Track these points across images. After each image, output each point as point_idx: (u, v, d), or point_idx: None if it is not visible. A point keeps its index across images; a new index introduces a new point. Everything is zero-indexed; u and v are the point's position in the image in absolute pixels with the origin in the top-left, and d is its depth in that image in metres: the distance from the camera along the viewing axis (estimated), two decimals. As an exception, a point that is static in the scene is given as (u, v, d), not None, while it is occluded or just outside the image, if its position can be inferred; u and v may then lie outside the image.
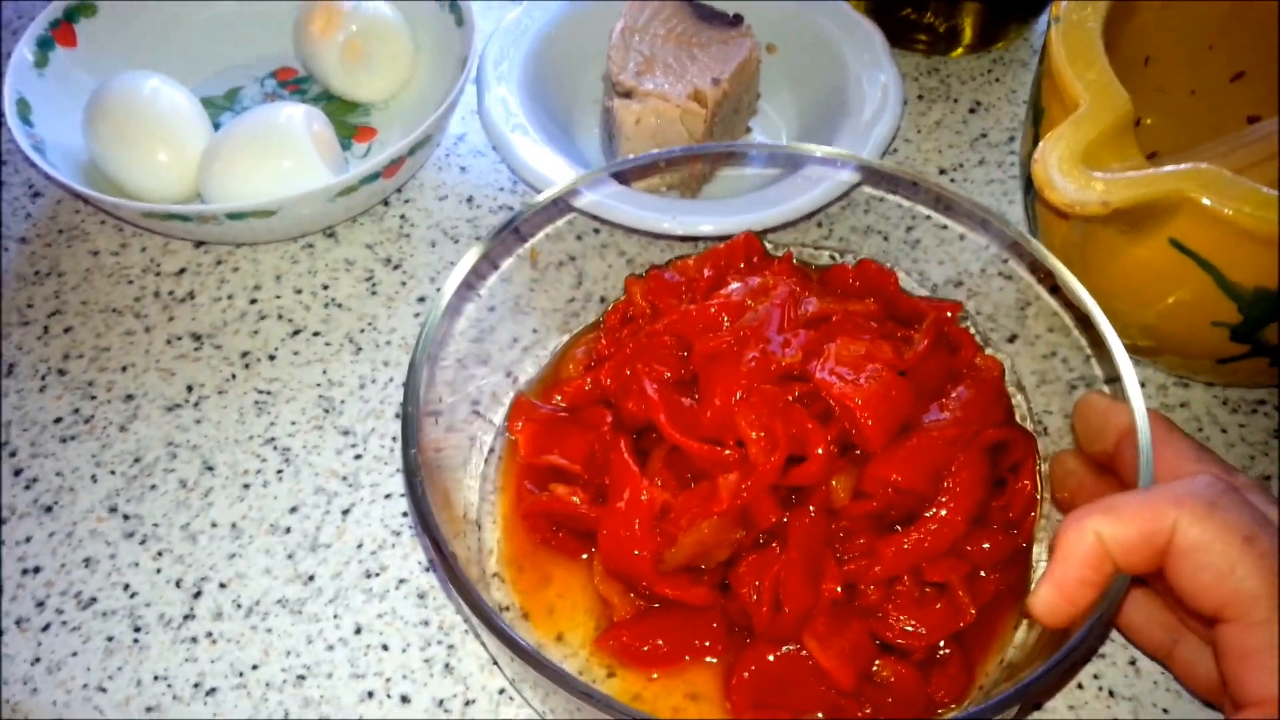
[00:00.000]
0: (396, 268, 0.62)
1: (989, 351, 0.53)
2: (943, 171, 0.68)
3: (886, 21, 0.72)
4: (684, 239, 0.57)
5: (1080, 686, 0.48)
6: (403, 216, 0.65)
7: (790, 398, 0.45)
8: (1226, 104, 0.60)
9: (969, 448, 0.45)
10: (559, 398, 0.52)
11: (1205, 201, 0.43)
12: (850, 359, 0.45)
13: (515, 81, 0.64)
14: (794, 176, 0.58)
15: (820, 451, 0.43)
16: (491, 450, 0.52)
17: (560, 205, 0.54)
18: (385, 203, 0.65)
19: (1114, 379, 0.44)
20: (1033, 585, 0.46)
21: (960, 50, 0.74)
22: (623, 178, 0.57)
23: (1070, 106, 0.47)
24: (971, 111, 0.71)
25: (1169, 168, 0.44)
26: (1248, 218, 0.43)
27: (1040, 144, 0.45)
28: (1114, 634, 0.49)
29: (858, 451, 0.45)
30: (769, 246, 0.58)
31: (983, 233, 0.53)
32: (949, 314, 0.51)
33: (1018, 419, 0.52)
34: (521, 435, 0.50)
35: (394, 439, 0.55)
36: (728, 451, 0.44)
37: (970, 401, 0.46)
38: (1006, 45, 0.75)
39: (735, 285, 0.50)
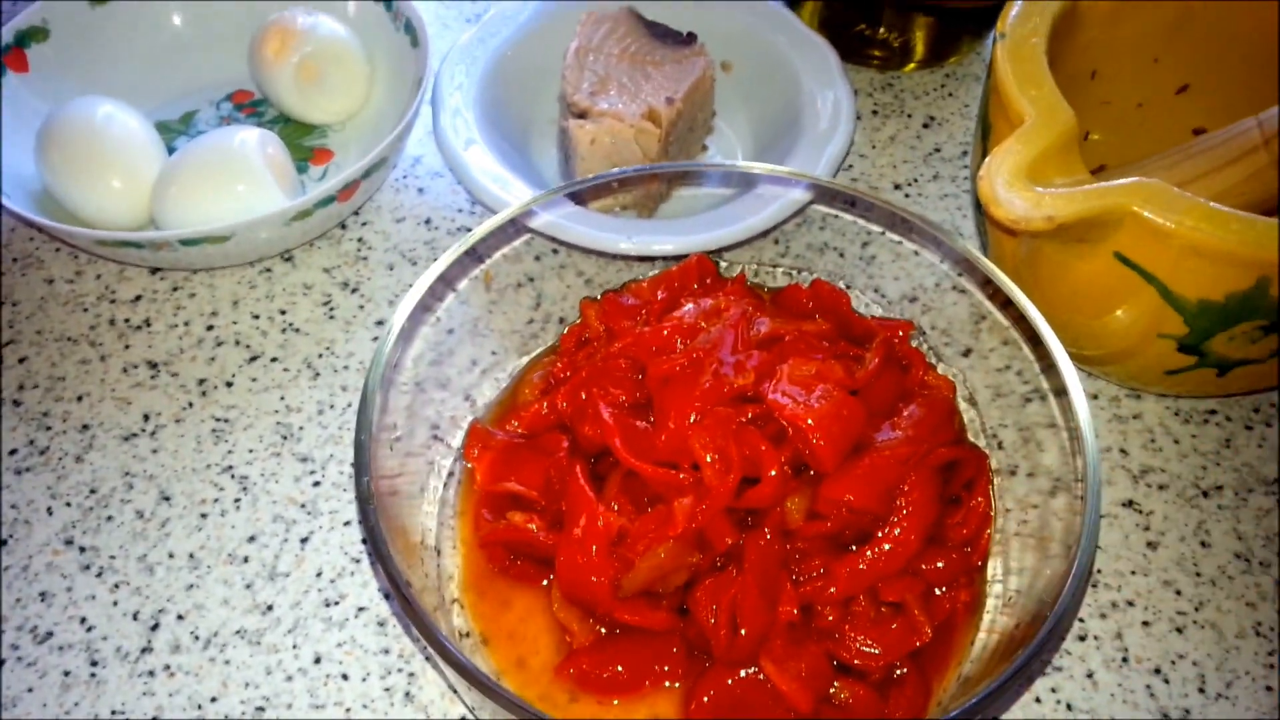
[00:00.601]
0: (354, 291, 0.62)
1: (942, 369, 0.54)
2: (897, 187, 0.68)
3: (841, 37, 0.73)
4: (641, 259, 0.58)
5: (1038, 700, 0.48)
6: (360, 239, 0.65)
7: (744, 419, 0.45)
8: (1172, 116, 0.61)
9: (921, 466, 0.45)
10: (516, 423, 0.52)
11: (1148, 215, 0.44)
12: (802, 380, 0.46)
13: (471, 102, 0.64)
14: (748, 195, 0.58)
15: (773, 473, 0.43)
16: (451, 474, 0.52)
17: (516, 226, 0.54)
18: (342, 226, 0.65)
19: (1062, 392, 0.45)
20: (987, 603, 0.47)
21: (913, 65, 0.75)
22: (579, 198, 0.57)
23: (1016, 122, 0.47)
24: (925, 126, 0.72)
25: (1112, 182, 0.44)
26: (1190, 231, 0.43)
27: (985, 160, 0.46)
28: (1070, 646, 0.50)
29: (812, 472, 0.45)
30: (724, 265, 0.59)
31: (935, 249, 0.53)
32: (900, 333, 0.51)
33: (971, 434, 0.52)
34: (478, 463, 0.50)
35: (353, 465, 0.54)
36: (683, 475, 0.44)
37: (922, 420, 0.47)
38: (959, 60, 0.75)
39: (688, 307, 0.50)
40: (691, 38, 0.66)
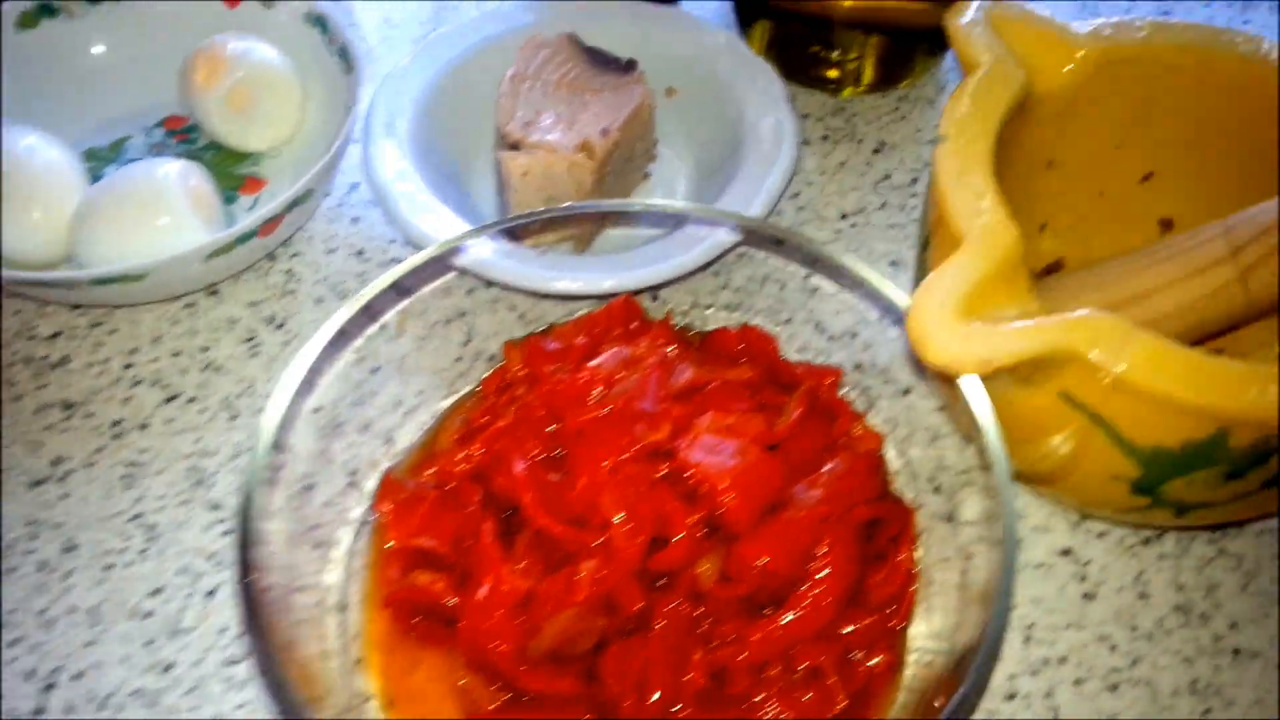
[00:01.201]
0: (280, 327, 0.60)
1: (882, 405, 0.52)
2: (844, 216, 0.67)
3: (792, 60, 0.71)
4: (571, 298, 0.56)
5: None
6: (289, 271, 0.63)
7: (657, 476, 0.44)
8: (1137, 205, 0.57)
9: (840, 526, 0.44)
10: (433, 471, 0.50)
11: (1095, 358, 0.39)
12: (718, 434, 0.44)
13: (405, 131, 0.62)
14: (685, 230, 0.57)
15: (681, 536, 0.42)
16: (365, 523, 0.50)
17: (441, 264, 0.53)
18: (271, 257, 0.63)
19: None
20: (910, 663, 0.45)
21: (865, 88, 0.73)
22: (510, 233, 0.55)
23: (955, 241, 0.43)
24: (876, 152, 0.70)
25: (1057, 318, 0.40)
26: (1141, 378, 0.39)
27: (915, 293, 0.41)
28: (999, 706, 0.48)
29: (726, 532, 0.43)
30: (655, 304, 0.57)
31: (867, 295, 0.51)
32: (829, 381, 0.50)
33: (909, 477, 0.51)
34: (389, 516, 0.48)
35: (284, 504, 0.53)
36: (592, 535, 0.43)
37: (843, 476, 0.45)
38: (913, 82, 0.74)
39: (608, 354, 0.49)
40: (631, 65, 0.64)
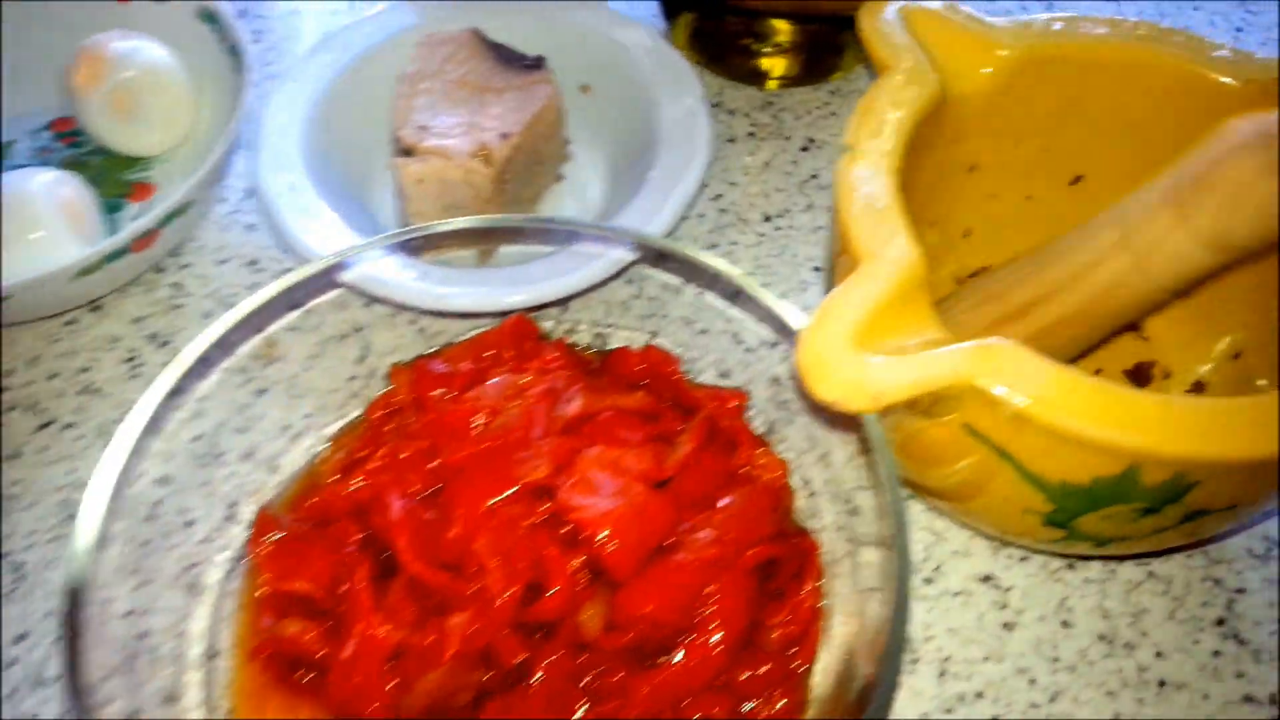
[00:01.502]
0: (164, 345, 0.57)
1: (789, 432, 0.49)
2: (768, 218, 0.64)
3: (721, 51, 0.68)
4: (465, 316, 0.53)
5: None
6: (176, 284, 0.59)
7: (537, 519, 0.41)
8: (1066, 209, 0.53)
9: (733, 568, 0.41)
10: (313, 503, 0.47)
11: (995, 393, 0.37)
12: (605, 470, 0.41)
13: (298, 136, 0.59)
14: (592, 240, 0.53)
15: (558, 588, 0.39)
16: (241, 561, 0.47)
17: (325, 280, 0.49)
18: (159, 268, 0.60)
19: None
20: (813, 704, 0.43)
21: (791, 81, 0.70)
22: (406, 246, 0.52)
23: (855, 261, 0.40)
24: (804, 150, 0.67)
25: (955, 349, 0.38)
26: (1042, 412, 0.36)
27: (807, 323, 0.38)
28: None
29: (610, 578, 0.40)
30: (561, 317, 0.54)
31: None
32: (732, 405, 0.47)
33: (817, 502, 0.48)
34: (262, 557, 0.45)
35: (141, 544, 0.50)
36: (471, 587, 0.40)
37: (739, 513, 0.42)
38: (845, 74, 0.71)
39: (494, 381, 0.46)
40: (538, 62, 0.60)
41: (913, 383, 0.37)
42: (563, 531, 0.41)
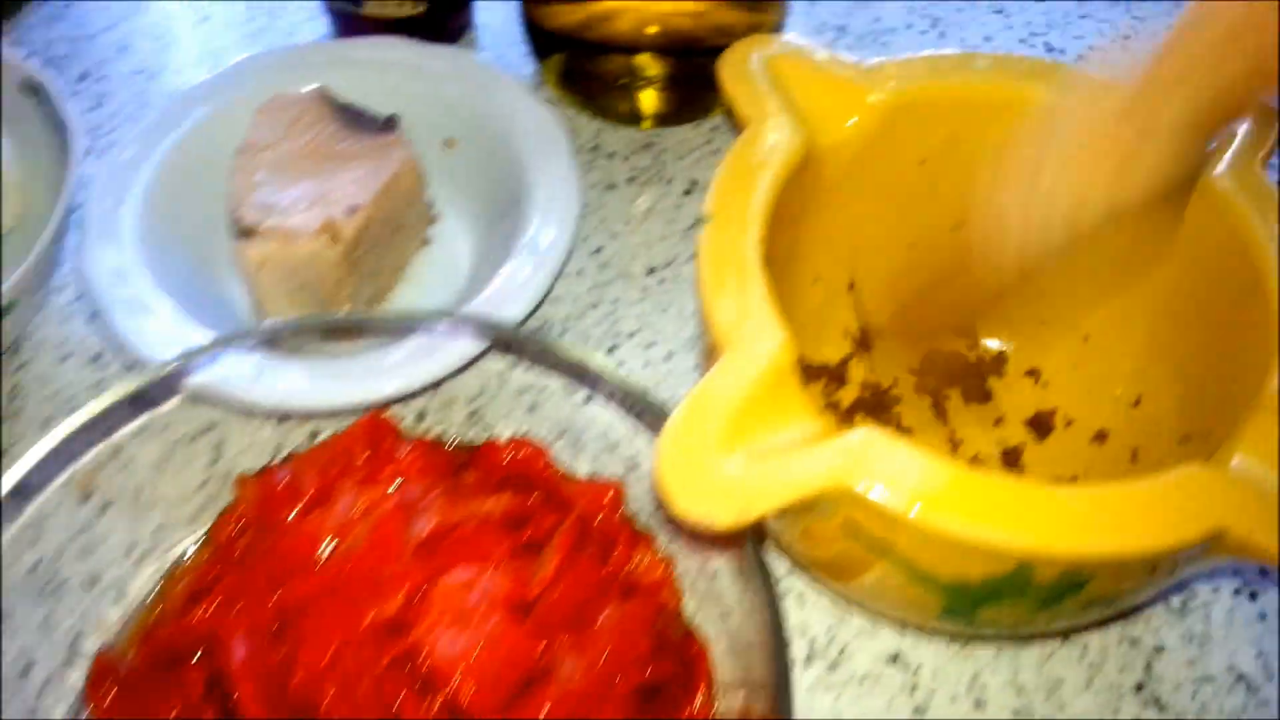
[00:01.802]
0: (-2, 458, 0.52)
1: (661, 532, 0.45)
2: (651, 271, 0.60)
3: (594, 91, 0.65)
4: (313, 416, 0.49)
5: None
6: (14, 388, 0.54)
7: (388, 660, 0.37)
8: (950, 255, 0.48)
9: (609, 697, 0.37)
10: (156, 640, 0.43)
11: (871, 499, 0.33)
12: (460, 601, 0.37)
13: (132, 219, 0.54)
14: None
15: (411, 741, 0.35)
16: (82, 708, 0.43)
17: (162, 386, 0.45)
18: (-9, 372, 0.55)
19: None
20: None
21: (666, 118, 0.66)
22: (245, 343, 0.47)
23: (719, 348, 0.37)
24: (687, 193, 0.64)
25: (827, 445, 0.34)
26: (923, 517, 0.33)
27: (662, 431, 0.35)
28: None
29: None
30: (430, 402, 0.50)
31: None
32: (607, 499, 0.43)
33: (711, 598, 0.44)
34: (99, 710, 0.41)
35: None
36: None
37: (615, 628, 0.39)
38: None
39: (342, 498, 0.42)
40: (390, 123, 0.56)
41: (783, 490, 0.34)
42: (421, 669, 0.37)
